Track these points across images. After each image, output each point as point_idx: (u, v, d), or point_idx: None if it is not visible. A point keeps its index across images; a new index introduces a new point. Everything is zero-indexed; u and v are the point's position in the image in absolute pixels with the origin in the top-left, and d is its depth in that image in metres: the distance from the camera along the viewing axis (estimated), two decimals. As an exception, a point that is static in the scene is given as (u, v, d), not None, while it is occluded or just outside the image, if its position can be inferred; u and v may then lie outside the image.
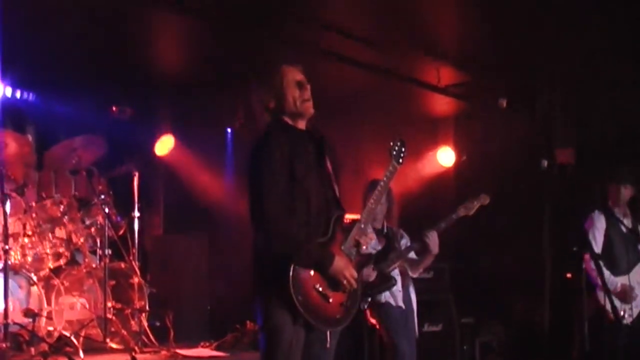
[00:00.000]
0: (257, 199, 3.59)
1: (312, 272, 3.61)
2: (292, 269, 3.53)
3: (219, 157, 9.03)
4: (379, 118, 8.17)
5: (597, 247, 5.79)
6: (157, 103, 8.41)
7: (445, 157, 8.94)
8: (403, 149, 3.95)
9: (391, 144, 3.94)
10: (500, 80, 7.26)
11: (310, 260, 3.60)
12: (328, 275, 3.64)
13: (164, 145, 8.67)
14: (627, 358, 5.72)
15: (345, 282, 3.67)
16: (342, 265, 3.67)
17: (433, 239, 5.28)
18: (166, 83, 7.75)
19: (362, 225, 3.83)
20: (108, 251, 6.12)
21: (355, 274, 3.72)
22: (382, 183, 3.92)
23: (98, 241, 6.28)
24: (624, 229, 5.92)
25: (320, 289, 3.63)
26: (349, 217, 3.93)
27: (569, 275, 7.22)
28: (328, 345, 3.70)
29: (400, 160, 3.94)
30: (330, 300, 3.65)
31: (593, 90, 7.59)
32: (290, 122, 3.79)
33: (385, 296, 5.36)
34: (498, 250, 8.40)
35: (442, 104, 8.35)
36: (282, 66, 3.85)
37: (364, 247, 3.85)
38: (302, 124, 3.82)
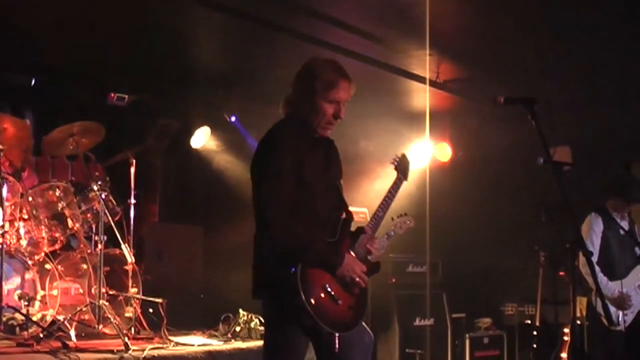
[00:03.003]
0: (264, 197, 3.50)
1: (321, 272, 3.49)
2: (300, 267, 3.42)
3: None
4: (373, 112, 8.16)
5: (594, 251, 5.75)
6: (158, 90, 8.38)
7: (441, 152, 8.95)
8: (408, 164, 3.97)
9: (395, 157, 3.96)
10: (498, 77, 7.27)
11: (319, 257, 3.49)
12: (337, 274, 3.53)
13: (202, 137, 8.58)
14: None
15: (356, 279, 3.56)
16: (352, 262, 3.58)
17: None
18: (170, 70, 7.72)
19: (370, 233, 3.75)
20: (103, 237, 6.12)
21: (365, 269, 3.62)
22: (389, 194, 3.85)
23: (94, 227, 6.27)
24: (621, 232, 5.89)
25: (330, 289, 3.51)
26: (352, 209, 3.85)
27: (561, 273, 7.27)
28: (337, 349, 3.52)
29: (407, 176, 3.95)
30: (340, 302, 3.53)
31: (592, 88, 7.61)
32: (302, 125, 3.66)
33: None
34: (491, 247, 8.43)
35: (439, 99, 8.35)
36: (343, 79, 3.62)
37: (374, 254, 3.77)
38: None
